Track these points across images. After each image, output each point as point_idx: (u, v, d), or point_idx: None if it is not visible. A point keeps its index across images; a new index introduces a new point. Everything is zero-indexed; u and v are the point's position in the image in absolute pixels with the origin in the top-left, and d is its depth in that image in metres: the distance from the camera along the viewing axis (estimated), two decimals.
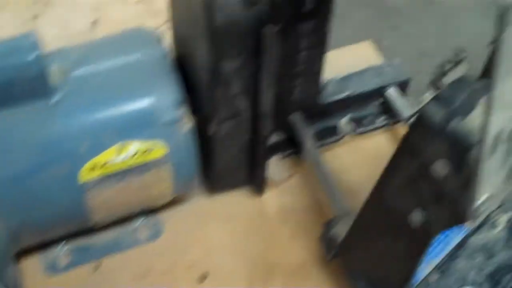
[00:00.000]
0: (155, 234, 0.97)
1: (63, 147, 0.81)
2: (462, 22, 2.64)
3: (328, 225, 0.91)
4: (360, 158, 1.07)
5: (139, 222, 0.97)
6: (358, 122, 1.09)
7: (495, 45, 0.49)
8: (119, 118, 0.83)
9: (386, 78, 1.08)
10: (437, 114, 0.60)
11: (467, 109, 0.59)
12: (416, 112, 0.64)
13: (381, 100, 1.09)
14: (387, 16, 2.65)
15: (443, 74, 0.79)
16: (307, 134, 1.02)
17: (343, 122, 1.08)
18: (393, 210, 0.70)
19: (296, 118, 1.03)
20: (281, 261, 0.95)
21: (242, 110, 0.87)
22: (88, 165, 0.81)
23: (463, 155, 0.59)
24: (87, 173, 0.81)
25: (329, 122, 1.08)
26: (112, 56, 0.88)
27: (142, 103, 0.84)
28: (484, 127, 0.54)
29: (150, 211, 0.97)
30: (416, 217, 0.67)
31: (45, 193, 0.81)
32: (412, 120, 0.63)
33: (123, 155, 0.82)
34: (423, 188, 0.65)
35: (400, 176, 0.67)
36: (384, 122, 1.10)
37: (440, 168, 0.62)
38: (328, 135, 1.07)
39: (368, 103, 1.09)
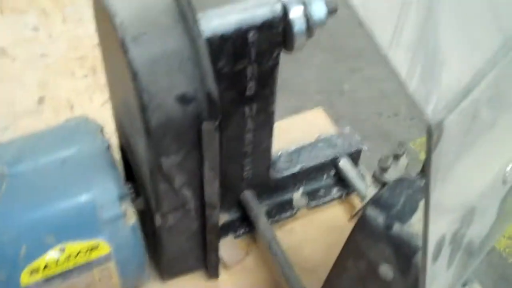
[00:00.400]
0: None
1: (1, 251, 0.77)
2: None
3: None
4: (316, 231, 1.05)
5: None
6: (311, 195, 1.07)
7: (426, 158, 0.48)
8: (58, 217, 0.80)
9: (338, 150, 1.07)
10: (378, 219, 0.58)
11: (408, 211, 0.58)
12: (359, 211, 0.62)
13: (333, 171, 1.07)
14: (347, 60, 2.67)
15: (385, 169, 0.78)
16: (259, 212, 0.99)
17: (297, 196, 1.06)
18: None
19: (248, 195, 1.01)
20: None
21: (187, 201, 0.84)
22: (28, 268, 0.78)
23: (407, 260, 0.57)
24: (28, 277, 0.78)
25: (282, 197, 1.06)
26: (51, 150, 0.85)
27: (81, 201, 0.81)
28: (423, 236, 0.53)
29: None
30: None
31: None
32: (355, 221, 0.61)
33: (64, 256, 0.79)
34: None
35: (348, 276, 0.66)
36: (338, 194, 1.08)
37: (386, 270, 0.60)
38: (282, 210, 1.05)
39: (321, 175, 1.07)
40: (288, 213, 1.06)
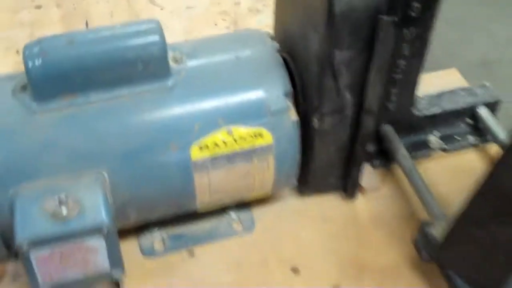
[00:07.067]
0: (248, 229, 0.99)
1: (177, 125, 0.85)
2: None
3: (423, 227, 0.91)
4: (449, 173, 1.08)
5: (233, 216, 0.99)
6: (448, 139, 1.10)
7: None
8: (230, 104, 0.87)
9: (476, 99, 1.10)
10: None
11: None
12: None
13: (471, 119, 1.11)
14: None
15: None
16: (399, 144, 1.03)
17: (434, 138, 1.10)
18: (509, 193, 0.71)
19: (388, 129, 1.05)
20: (372, 262, 0.96)
21: (346, 106, 0.89)
22: (198, 144, 0.84)
23: None
24: (197, 152, 0.85)
25: (419, 137, 1.10)
26: (226, 49, 0.92)
27: (252, 92, 0.88)
28: None
29: (244, 207, 1.00)
30: None
31: (158, 168, 0.85)
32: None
33: (232, 138, 0.85)
34: None
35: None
36: (474, 142, 1.11)
37: None
38: (418, 149, 1.09)
39: (459, 121, 1.10)
40: (423, 153, 1.09)
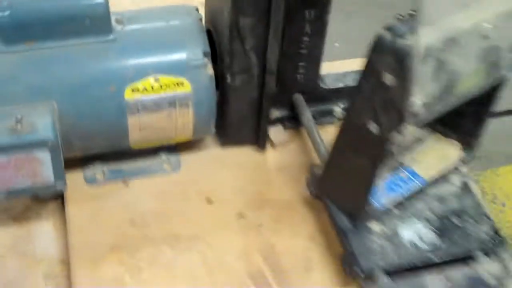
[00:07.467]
0: (175, 168, 1.20)
1: (114, 70, 1.07)
2: None
3: (312, 168, 1.13)
4: None
5: (164, 157, 1.21)
6: None
7: None
8: (158, 57, 1.09)
9: None
10: (387, 38, 0.84)
11: (411, 33, 0.83)
12: None
13: None
14: None
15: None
16: (306, 110, 1.26)
17: (338, 108, 1.32)
18: (358, 127, 0.93)
19: (298, 98, 1.27)
20: (273, 198, 1.18)
21: (252, 66, 1.12)
22: (131, 86, 1.06)
23: (402, 65, 0.83)
24: (129, 93, 1.07)
25: (325, 107, 1.32)
26: (158, 18, 1.15)
27: (177, 49, 1.10)
28: (415, 42, 0.79)
29: (173, 151, 1.22)
30: (373, 126, 0.90)
31: (97, 104, 1.06)
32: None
33: (158, 85, 1.08)
34: (377, 101, 0.89)
35: (362, 95, 0.91)
36: None
37: (389, 80, 0.85)
38: (324, 116, 1.31)
39: None
40: (328, 120, 1.31)
